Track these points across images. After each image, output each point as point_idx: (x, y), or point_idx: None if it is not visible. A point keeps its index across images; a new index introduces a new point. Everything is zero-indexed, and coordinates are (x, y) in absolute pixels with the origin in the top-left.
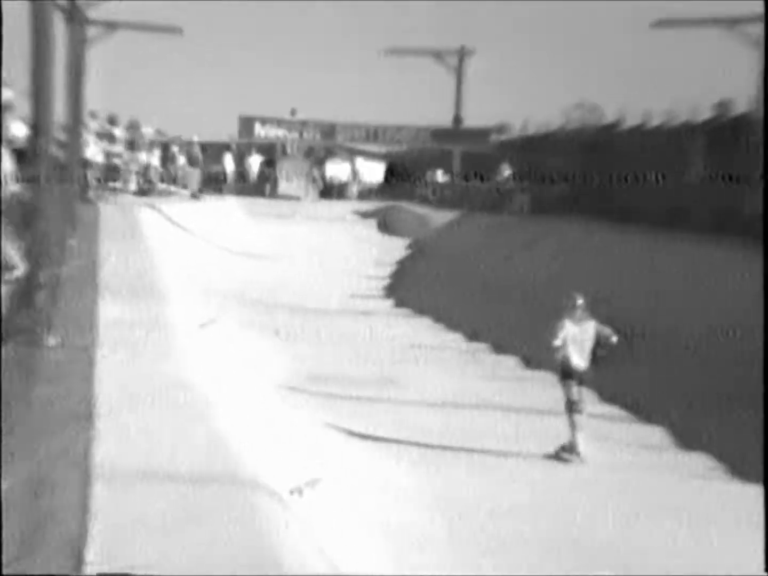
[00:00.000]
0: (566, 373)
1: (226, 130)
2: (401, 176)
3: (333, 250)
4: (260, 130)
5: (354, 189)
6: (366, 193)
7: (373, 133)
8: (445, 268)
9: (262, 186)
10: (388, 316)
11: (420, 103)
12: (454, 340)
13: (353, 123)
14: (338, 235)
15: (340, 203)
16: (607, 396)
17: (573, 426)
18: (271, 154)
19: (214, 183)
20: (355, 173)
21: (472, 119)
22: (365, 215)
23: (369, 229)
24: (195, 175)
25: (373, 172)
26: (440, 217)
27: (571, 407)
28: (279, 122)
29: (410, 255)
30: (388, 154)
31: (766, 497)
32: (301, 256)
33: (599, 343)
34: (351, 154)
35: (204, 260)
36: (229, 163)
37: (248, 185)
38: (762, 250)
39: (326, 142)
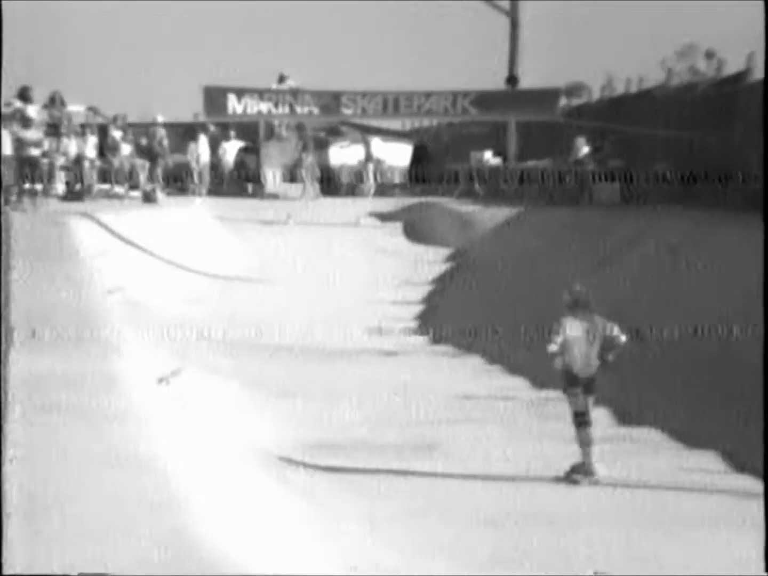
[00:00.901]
0: (570, 381)
1: (190, 108)
2: (434, 162)
3: (343, 267)
4: (236, 106)
5: (369, 182)
6: (386, 187)
7: (393, 103)
8: (498, 289)
9: (242, 182)
10: (423, 356)
11: (457, 60)
12: (516, 387)
13: (365, 90)
14: (349, 247)
15: (350, 202)
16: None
17: (583, 442)
18: (253, 137)
19: (175, 180)
20: (370, 159)
21: (533, 79)
22: (386, 218)
23: (392, 237)
24: (154, 171)
25: (395, 156)
26: (490, 216)
27: (579, 420)
28: (261, 94)
29: (450, 271)
30: (415, 131)
31: (766, 497)
32: (298, 277)
33: (605, 345)
34: (364, 133)
35: (164, 288)
36: (195, 151)
37: (224, 181)
38: None
39: (329, 117)
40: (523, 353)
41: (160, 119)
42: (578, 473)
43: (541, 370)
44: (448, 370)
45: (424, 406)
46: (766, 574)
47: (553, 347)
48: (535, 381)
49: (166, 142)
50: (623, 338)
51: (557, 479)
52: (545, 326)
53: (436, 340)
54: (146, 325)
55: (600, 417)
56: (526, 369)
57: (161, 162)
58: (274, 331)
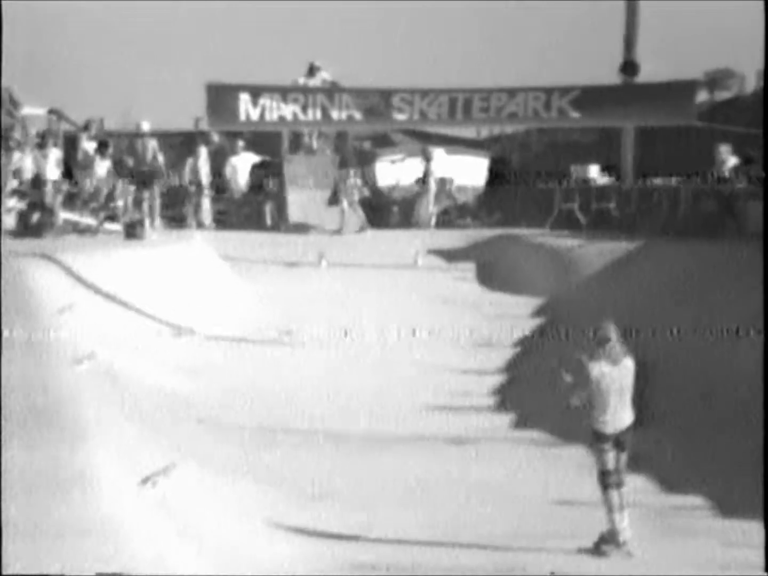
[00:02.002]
0: (598, 436)
1: (187, 112)
2: (519, 180)
3: (394, 323)
4: (250, 110)
5: (431, 208)
6: (454, 215)
7: (464, 105)
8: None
9: (259, 208)
10: (504, 446)
11: (550, 46)
12: (640, 490)
13: (425, 88)
14: (403, 296)
15: (405, 236)
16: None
17: (612, 506)
18: (273, 150)
19: (167, 207)
20: (431, 178)
21: (657, 68)
22: (454, 256)
23: (462, 283)
24: (145, 196)
25: (467, 174)
26: (596, 253)
27: (607, 481)
28: (285, 93)
29: (540, 329)
30: (494, 140)
31: (766, 497)
32: (332, 338)
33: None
34: (424, 143)
35: (150, 355)
36: (194, 169)
37: (233, 208)
38: None
39: (376, 123)
40: (650, 443)
41: (146, 127)
42: (606, 543)
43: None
44: (539, 465)
45: (506, 518)
46: (766, 574)
47: (576, 401)
48: (665, 483)
49: (161, 158)
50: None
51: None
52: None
53: (522, 422)
54: (126, 405)
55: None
56: (653, 465)
57: (155, 184)
58: (298, 412)
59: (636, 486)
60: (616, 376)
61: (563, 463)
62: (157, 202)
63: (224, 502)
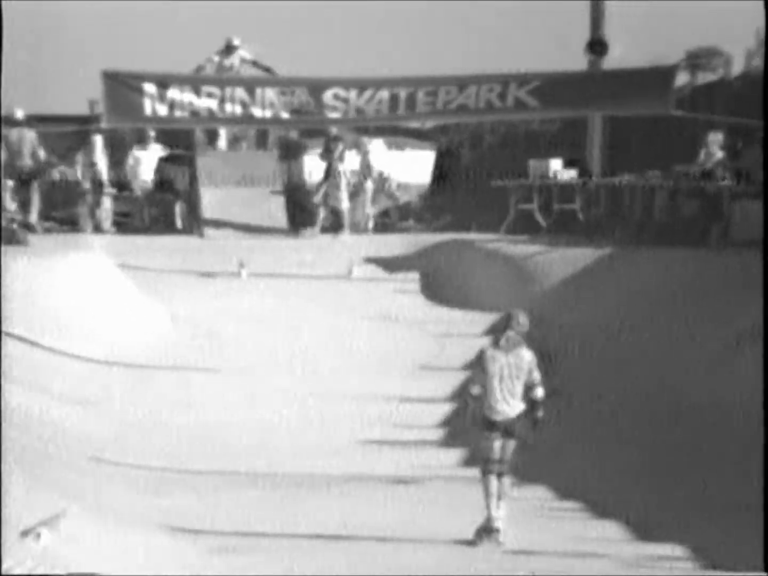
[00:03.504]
0: (488, 423)
1: (80, 94)
2: (469, 177)
3: (324, 344)
4: (156, 103)
5: (366, 208)
6: (394, 217)
7: (408, 100)
8: (571, 379)
9: (168, 208)
10: (451, 485)
11: (504, 25)
12: (604, 539)
13: (361, 78)
14: (335, 312)
15: (338, 241)
16: None
17: (488, 493)
18: (183, 141)
19: (54, 208)
20: (368, 174)
21: (628, 48)
22: (394, 265)
23: (403, 296)
24: (25, 195)
25: (408, 169)
26: (558, 261)
27: (488, 468)
28: (196, 85)
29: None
30: (440, 130)
31: (766, 496)
32: (252, 362)
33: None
34: (358, 134)
35: (35, 382)
36: (87, 162)
37: (136, 208)
38: None
39: (305, 123)
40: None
41: (20, 114)
42: (483, 534)
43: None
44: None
45: (458, 568)
46: (766, 574)
47: (476, 390)
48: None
49: (42, 152)
50: (540, 392)
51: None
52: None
53: (474, 459)
54: (6, 442)
55: None
56: (621, 513)
57: (36, 181)
58: (214, 449)
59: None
60: (506, 362)
61: (520, 505)
62: (36, 200)
63: (125, 555)
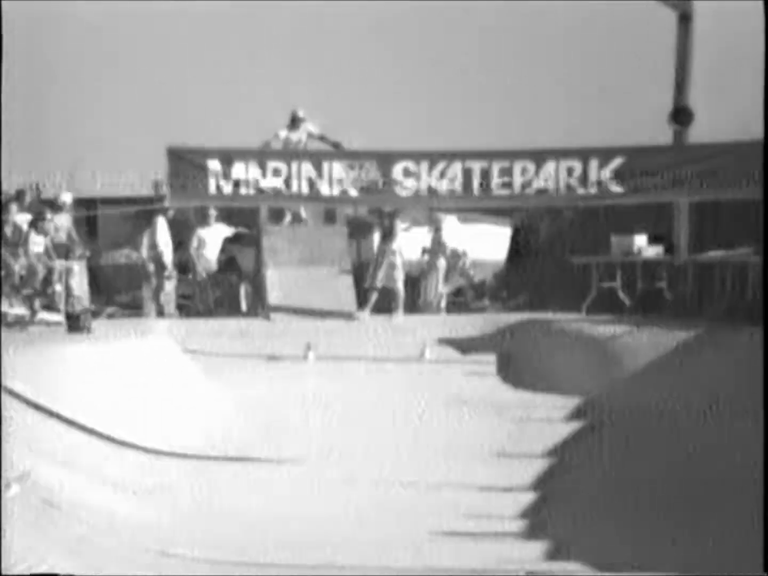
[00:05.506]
0: None
1: (147, 171)
2: (548, 254)
3: (395, 431)
4: (220, 181)
5: (439, 286)
6: (469, 296)
7: (482, 174)
8: (663, 467)
9: (232, 290)
10: None
11: (581, 96)
12: None
13: (431, 151)
14: (407, 396)
15: (410, 322)
16: None
17: None
18: (248, 220)
19: (121, 290)
20: (441, 252)
21: (712, 122)
22: (468, 347)
23: (479, 379)
24: (80, 276)
25: (484, 246)
26: (644, 343)
27: None
28: (262, 161)
29: (577, 436)
30: (516, 209)
31: (766, 496)
32: (318, 452)
33: None
34: (432, 209)
35: (93, 473)
36: (151, 245)
37: (200, 291)
38: None
39: (373, 202)
40: None
41: (67, 199)
42: None
43: None
44: None
45: None
46: (765, 574)
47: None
48: None
49: (74, 235)
50: None
51: None
52: None
53: (557, 553)
54: (65, 537)
55: None
56: None
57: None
58: (276, 543)
59: None
60: None
61: None
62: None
63: None
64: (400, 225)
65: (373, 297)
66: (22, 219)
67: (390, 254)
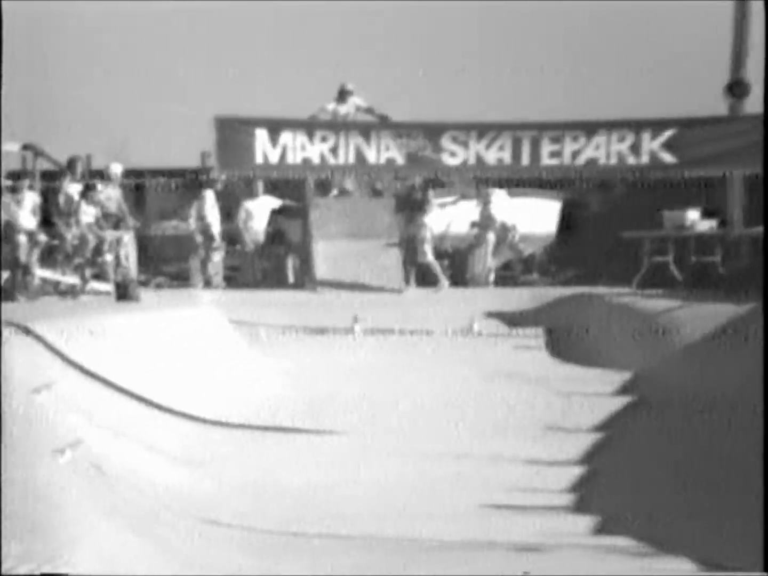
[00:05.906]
0: None
1: (193, 146)
2: (598, 228)
3: (443, 403)
4: (268, 150)
5: (488, 260)
6: (517, 269)
7: (532, 143)
8: (716, 445)
9: (279, 262)
10: (585, 554)
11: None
12: None
13: (480, 123)
14: (455, 369)
15: (458, 295)
16: None
17: None
18: (295, 192)
19: (170, 261)
20: (490, 225)
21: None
22: (518, 321)
23: (528, 353)
24: (130, 247)
25: (533, 220)
26: (696, 317)
27: None
28: (310, 129)
29: (625, 411)
30: (566, 182)
31: (766, 496)
32: (365, 424)
33: None
34: (480, 183)
35: (143, 443)
36: (199, 216)
37: (247, 263)
38: None
39: (420, 169)
40: None
41: (117, 170)
42: None
43: None
44: None
45: None
46: (766, 574)
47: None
48: None
49: (124, 207)
50: None
51: None
52: None
53: (605, 527)
54: (116, 505)
55: None
56: None
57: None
58: (324, 513)
59: None
60: None
61: None
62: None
63: None
64: (434, 199)
65: (413, 271)
66: (74, 189)
67: (421, 227)
